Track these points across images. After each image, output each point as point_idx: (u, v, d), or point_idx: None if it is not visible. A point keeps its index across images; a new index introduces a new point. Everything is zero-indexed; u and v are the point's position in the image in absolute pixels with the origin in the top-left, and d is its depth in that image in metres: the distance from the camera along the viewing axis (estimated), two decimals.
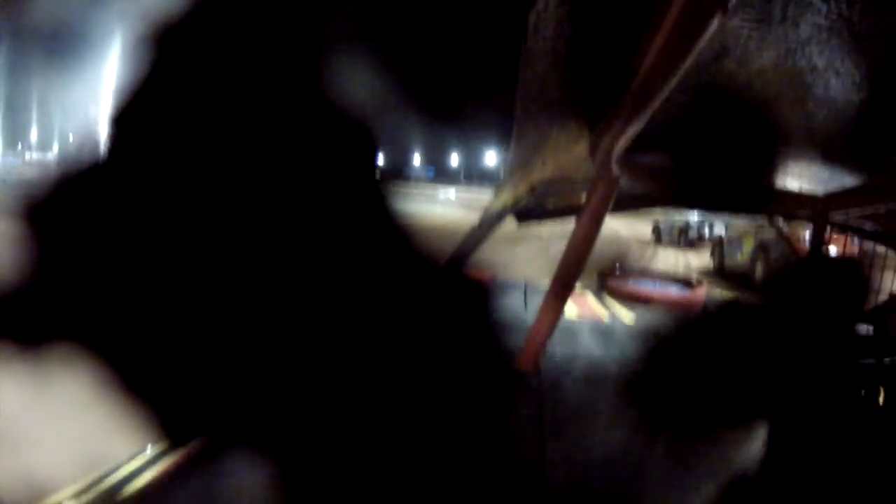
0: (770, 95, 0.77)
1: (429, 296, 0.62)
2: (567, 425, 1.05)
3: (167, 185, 0.50)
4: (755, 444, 0.95)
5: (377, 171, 0.59)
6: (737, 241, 7.80)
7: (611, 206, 1.09)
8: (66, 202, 0.50)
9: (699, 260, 9.13)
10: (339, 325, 0.56)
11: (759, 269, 6.83)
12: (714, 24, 0.49)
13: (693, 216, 10.03)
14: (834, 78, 0.69)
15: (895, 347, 1.44)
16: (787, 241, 2.21)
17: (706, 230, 10.18)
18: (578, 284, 1.41)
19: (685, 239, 10.64)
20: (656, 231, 11.59)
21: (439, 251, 0.62)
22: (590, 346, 1.50)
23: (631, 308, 2.04)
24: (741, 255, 7.54)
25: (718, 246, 8.47)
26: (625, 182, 1.05)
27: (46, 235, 0.49)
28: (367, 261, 0.56)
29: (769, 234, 6.65)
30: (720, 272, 7.97)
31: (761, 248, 6.99)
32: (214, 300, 0.53)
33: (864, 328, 1.56)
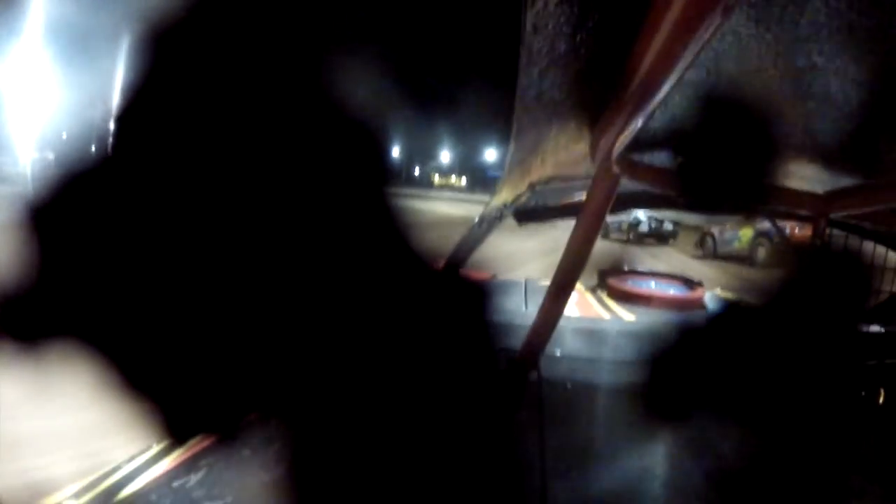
0: (770, 94, 0.77)
1: (428, 295, 0.62)
2: (567, 425, 1.05)
3: (168, 183, 0.50)
4: (756, 444, 0.95)
5: (384, 173, 0.59)
6: (731, 231, 8.93)
7: (611, 205, 1.09)
8: (68, 201, 0.50)
9: (674, 251, 10.15)
10: (338, 325, 0.56)
11: (763, 253, 8.10)
12: (714, 23, 0.49)
13: (641, 213, 10.66)
14: (834, 77, 0.69)
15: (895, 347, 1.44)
16: (780, 232, 2.26)
17: (654, 225, 11.12)
18: (578, 284, 1.41)
19: (635, 234, 11.32)
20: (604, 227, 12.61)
21: (439, 250, 0.62)
22: (590, 346, 1.50)
23: (631, 307, 2.04)
24: (739, 243, 8.74)
25: (710, 236, 9.61)
26: (625, 181, 1.05)
27: (47, 234, 0.49)
28: (367, 261, 0.56)
29: (768, 224, 7.62)
30: (714, 257, 9.20)
31: (763, 235, 8.12)
32: (214, 300, 0.53)
33: (866, 327, 1.56)
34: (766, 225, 7.74)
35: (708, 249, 9.66)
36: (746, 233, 8.54)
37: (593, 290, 2.27)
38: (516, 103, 0.87)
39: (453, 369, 0.63)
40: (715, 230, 9.42)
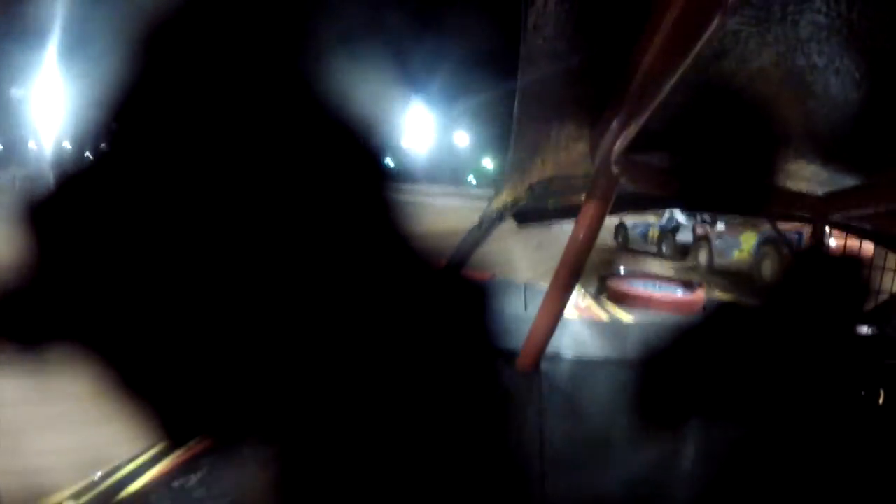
0: (770, 95, 0.77)
1: (428, 295, 0.62)
2: (567, 425, 1.05)
3: (164, 182, 0.50)
4: (755, 445, 0.95)
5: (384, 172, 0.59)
6: (731, 235, 6.45)
7: (611, 206, 1.09)
8: (68, 201, 0.50)
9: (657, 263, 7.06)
10: (338, 325, 0.56)
11: (769, 266, 5.64)
12: (714, 23, 0.49)
13: (680, 214, 7.35)
14: (834, 77, 0.69)
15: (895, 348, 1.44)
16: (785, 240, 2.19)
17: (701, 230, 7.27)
18: (578, 285, 1.41)
19: (673, 244, 7.50)
20: (621, 233, 8.56)
21: (439, 251, 0.62)
22: (590, 347, 1.50)
23: (630, 309, 2.04)
24: (738, 253, 6.29)
25: (705, 241, 6.90)
26: (625, 182, 1.05)
27: (47, 234, 0.49)
28: (367, 260, 0.56)
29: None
30: (710, 272, 6.53)
31: (769, 242, 5.66)
32: (214, 300, 0.52)
33: (865, 329, 1.56)
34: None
35: (703, 260, 6.89)
36: (748, 238, 6.15)
37: (593, 293, 2.27)
38: (516, 103, 0.87)
39: (454, 369, 0.63)
40: (711, 233, 6.83)
